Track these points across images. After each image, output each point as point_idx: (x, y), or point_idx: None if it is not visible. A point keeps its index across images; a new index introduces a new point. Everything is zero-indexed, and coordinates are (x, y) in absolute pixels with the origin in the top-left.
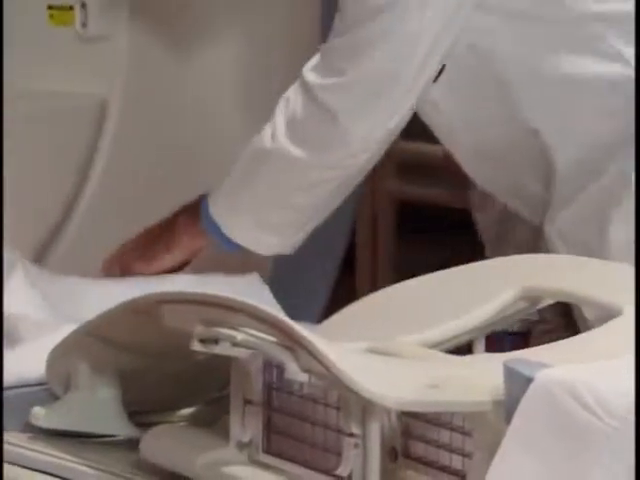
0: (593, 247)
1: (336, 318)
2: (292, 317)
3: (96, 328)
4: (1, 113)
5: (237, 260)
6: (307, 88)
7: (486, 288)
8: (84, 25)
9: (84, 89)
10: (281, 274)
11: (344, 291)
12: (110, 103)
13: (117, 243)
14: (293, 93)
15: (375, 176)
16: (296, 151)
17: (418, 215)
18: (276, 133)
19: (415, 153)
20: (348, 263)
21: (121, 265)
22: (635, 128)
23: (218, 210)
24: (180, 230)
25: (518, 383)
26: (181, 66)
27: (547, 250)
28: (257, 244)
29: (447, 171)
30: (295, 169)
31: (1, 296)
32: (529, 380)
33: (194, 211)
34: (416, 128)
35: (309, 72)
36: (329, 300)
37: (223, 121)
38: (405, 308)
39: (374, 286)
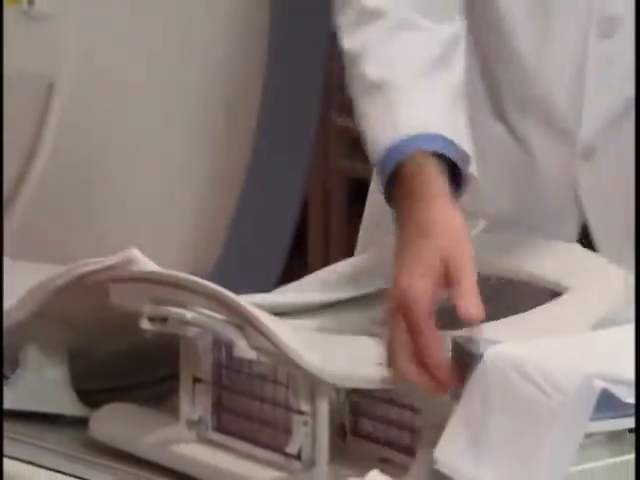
0: None
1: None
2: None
3: (44, 305)
4: (1, 114)
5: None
6: None
7: None
8: (31, 3)
9: (30, 68)
10: (231, 254)
11: (296, 269)
12: (57, 83)
13: (61, 226)
14: None
15: (327, 154)
16: None
17: None
18: None
19: None
20: (299, 242)
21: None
22: (635, 126)
23: None
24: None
25: (466, 359)
26: (131, 46)
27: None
28: None
29: None
30: None
31: (1, 296)
32: (477, 357)
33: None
34: None
35: None
36: (281, 280)
37: (171, 102)
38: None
39: (326, 265)
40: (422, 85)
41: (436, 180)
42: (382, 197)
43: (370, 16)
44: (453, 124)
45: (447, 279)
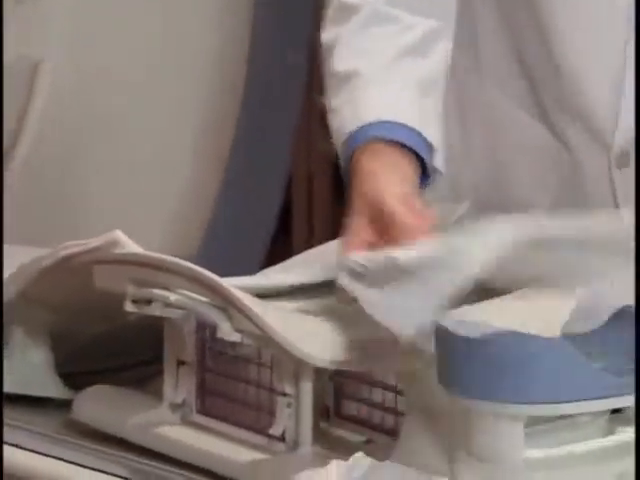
0: None
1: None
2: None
3: (28, 288)
4: (1, 114)
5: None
6: None
7: None
8: None
9: (17, 50)
10: (215, 237)
11: (280, 252)
12: (43, 65)
13: (44, 209)
14: None
15: (311, 137)
16: None
17: None
18: None
19: None
20: (284, 225)
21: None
22: (635, 128)
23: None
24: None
25: (450, 341)
26: (119, 28)
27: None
28: None
29: None
30: None
31: (1, 298)
32: (462, 339)
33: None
34: None
35: None
36: (265, 263)
37: (156, 85)
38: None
39: (311, 248)
40: (391, 73)
41: (388, 157)
42: None
43: (347, 10)
44: (421, 115)
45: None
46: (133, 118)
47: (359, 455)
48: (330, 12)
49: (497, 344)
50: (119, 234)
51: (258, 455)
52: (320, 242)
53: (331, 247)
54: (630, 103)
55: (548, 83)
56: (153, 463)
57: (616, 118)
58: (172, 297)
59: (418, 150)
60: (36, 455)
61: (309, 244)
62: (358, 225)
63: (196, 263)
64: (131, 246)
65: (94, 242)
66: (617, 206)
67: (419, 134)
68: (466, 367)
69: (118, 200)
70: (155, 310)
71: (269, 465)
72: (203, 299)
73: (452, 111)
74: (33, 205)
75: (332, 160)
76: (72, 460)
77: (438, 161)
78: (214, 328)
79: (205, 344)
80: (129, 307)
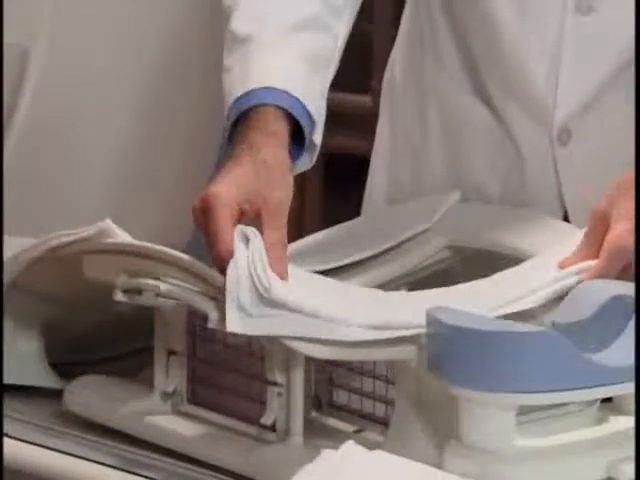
0: None
1: None
2: None
3: (18, 278)
4: (1, 113)
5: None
6: None
7: (412, 233)
8: None
9: (5, 38)
10: None
11: None
12: (32, 53)
13: (35, 198)
14: None
15: None
16: None
17: (346, 166)
18: None
19: (343, 103)
20: None
21: None
22: (635, 125)
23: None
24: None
25: (441, 331)
26: (106, 15)
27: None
28: None
29: (375, 121)
30: None
31: (1, 299)
32: (452, 327)
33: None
34: (343, 78)
35: None
36: None
37: (145, 68)
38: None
39: (300, 238)
40: (284, 43)
41: (275, 122)
42: (382, 177)
43: None
44: (306, 86)
45: (256, 213)
46: (124, 105)
47: (350, 444)
48: None
49: (488, 333)
50: (109, 223)
51: (249, 445)
52: (310, 233)
53: (320, 237)
54: (568, 80)
55: (490, 65)
56: (144, 452)
57: (555, 95)
58: (162, 287)
59: (300, 119)
60: (27, 445)
61: (299, 235)
62: (232, 206)
63: (187, 253)
64: (121, 236)
65: (84, 232)
66: (560, 185)
67: (302, 105)
68: (458, 356)
69: (108, 189)
70: (145, 300)
71: (260, 455)
72: (194, 289)
73: (412, 101)
74: (23, 192)
75: (322, 152)
76: (63, 450)
77: (317, 136)
78: (204, 318)
79: (195, 333)
80: (119, 297)
